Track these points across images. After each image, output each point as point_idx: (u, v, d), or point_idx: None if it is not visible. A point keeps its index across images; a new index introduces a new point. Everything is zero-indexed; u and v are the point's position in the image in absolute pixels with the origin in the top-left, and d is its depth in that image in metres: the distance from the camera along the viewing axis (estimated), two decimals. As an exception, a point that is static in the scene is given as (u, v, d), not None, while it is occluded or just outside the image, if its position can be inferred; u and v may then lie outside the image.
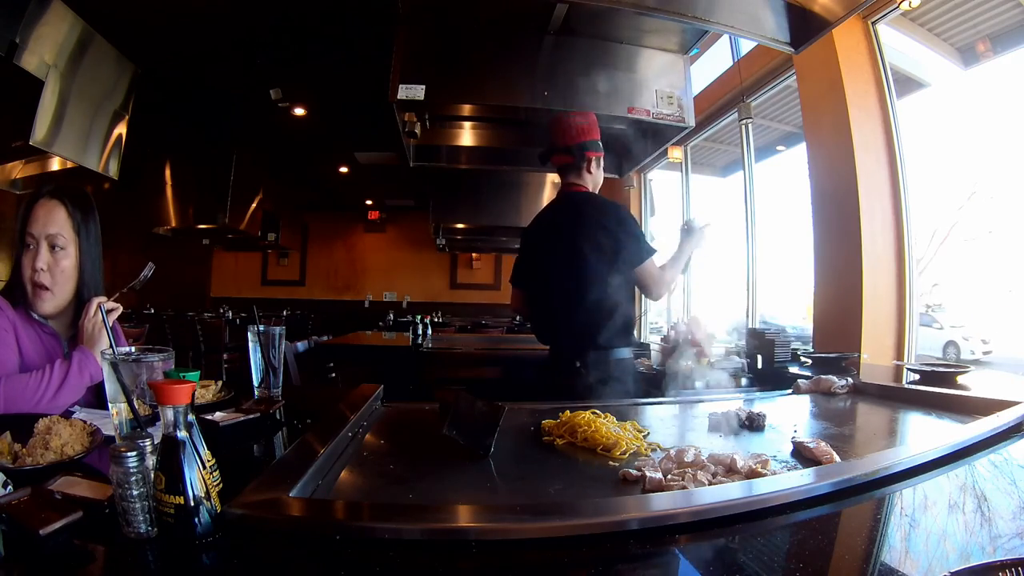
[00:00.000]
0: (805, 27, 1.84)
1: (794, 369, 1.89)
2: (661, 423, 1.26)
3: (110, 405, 0.83)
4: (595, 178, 1.95)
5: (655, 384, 1.75)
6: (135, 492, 0.56)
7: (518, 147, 3.24)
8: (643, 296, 1.95)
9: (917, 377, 1.63)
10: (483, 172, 4.84)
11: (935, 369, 1.63)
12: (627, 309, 1.83)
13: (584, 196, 1.92)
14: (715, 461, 0.84)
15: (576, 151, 1.90)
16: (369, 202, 9.20)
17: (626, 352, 1.85)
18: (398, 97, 2.28)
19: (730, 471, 0.81)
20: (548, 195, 5.06)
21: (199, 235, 7.11)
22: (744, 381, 1.89)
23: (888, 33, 3.16)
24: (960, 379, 1.54)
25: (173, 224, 6.12)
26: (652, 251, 1.84)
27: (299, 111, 4.88)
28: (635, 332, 1.92)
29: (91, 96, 3.40)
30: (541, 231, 2.01)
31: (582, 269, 1.81)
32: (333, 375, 2.97)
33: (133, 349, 0.89)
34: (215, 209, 6.05)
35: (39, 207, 1.23)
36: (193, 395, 0.61)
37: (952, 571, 0.46)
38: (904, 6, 2.44)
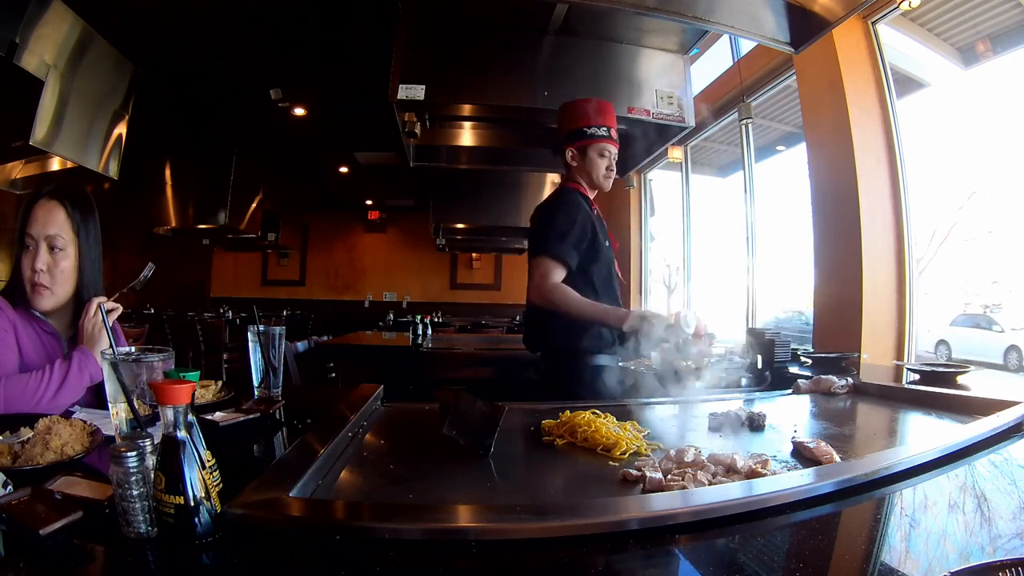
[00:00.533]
0: (805, 27, 1.84)
1: (794, 369, 1.89)
2: (661, 423, 1.26)
3: (110, 405, 0.83)
4: (585, 170, 1.81)
5: (655, 384, 1.74)
6: (135, 492, 0.56)
7: (518, 147, 3.25)
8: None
9: (917, 377, 1.63)
10: (483, 172, 4.84)
11: (935, 369, 1.63)
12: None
13: (553, 191, 1.90)
14: (715, 461, 0.84)
15: (553, 147, 1.89)
16: (369, 202, 9.21)
17: (601, 359, 1.75)
18: (398, 97, 2.28)
19: (730, 471, 0.81)
20: (548, 195, 5.05)
21: (199, 235, 7.12)
22: (744, 381, 1.89)
23: (888, 33, 3.16)
24: (960, 379, 1.54)
25: (173, 224, 6.12)
26: (551, 250, 1.66)
27: (299, 111, 4.89)
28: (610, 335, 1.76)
29: (91, 96, 3.41)
30: None
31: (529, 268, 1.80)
32: (333, 375, 2.97)
33: (133, 349, 0.89)
34: (215, 209, 6.05)
35: (39, 207, 1.23)
36: (193, 395, 0.61)
37: (952, 571, 0.46)
38: (904, 6, 2.44)
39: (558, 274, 1.68)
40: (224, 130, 5.54)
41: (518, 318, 7.18)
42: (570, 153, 1.82)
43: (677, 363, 1.60)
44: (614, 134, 1.83)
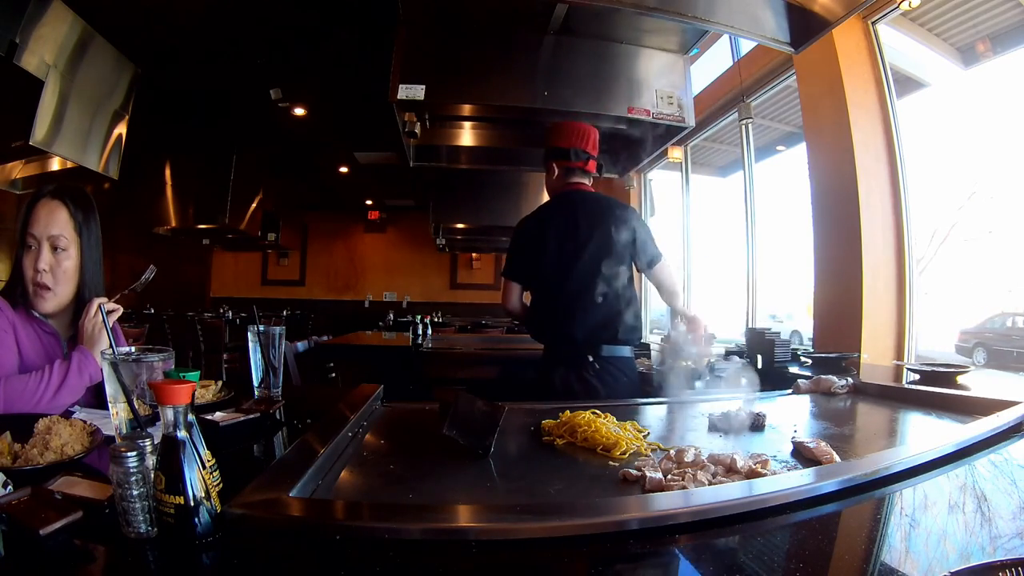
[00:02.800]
0: (805, 27, 1.84)
1: (794, 369, 1.89)
2: (661, 423, 1.26)
3: (110, 405, 0.83)
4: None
5: (655, 384, 1.74)
6: (135, 492, 0.56)
7: (518, 147, 3.24)
8: (658, 295, 2.05)
9: (917, 377, 1.63)
10: (483, 172, 4.84)
11: (935, 369, 1.63)
12: (638, 307, 1.91)
13: (601, 196, 2.01)
14: (715, 461, 0.84)
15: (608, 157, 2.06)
16: (369, 202, 9.21)
17: (627, 351, 1.90)
18: (398, 97, 2.28)
19: (730, 471, 0.81)
20: (548, 195, 5.04)
21: (199, 235, 7.11)
22: (744, 381, 1.89)
23: (888, 33, 3.16)
24: (960, 379, 1.54)
25: (173, 224, 6.12)
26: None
27: (299, 111, 4.89)
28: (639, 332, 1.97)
29: (91, 96, 3.40)
30: (554, 227, 1.94)
31: (606, 266, 1.86)
32: (333, 375, 2.97)
33: (133, 349, 0.89)
34: (215, 209, 6.05)
35: (40, 207, 1.22)
36: (193, 395, 0.61)
37: (952, 571, 0.46)
38: (904, 6, 2.44)
39: None
40: (224, 130, 5.54)
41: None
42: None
43: (677, 363, 1.60)
44: None
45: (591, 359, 1.82)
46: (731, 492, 0.70)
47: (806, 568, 0.56)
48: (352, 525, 0.61)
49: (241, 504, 0.62)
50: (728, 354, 2.06)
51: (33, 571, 0.54)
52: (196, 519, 0.57)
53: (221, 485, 0.61)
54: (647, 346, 2.47)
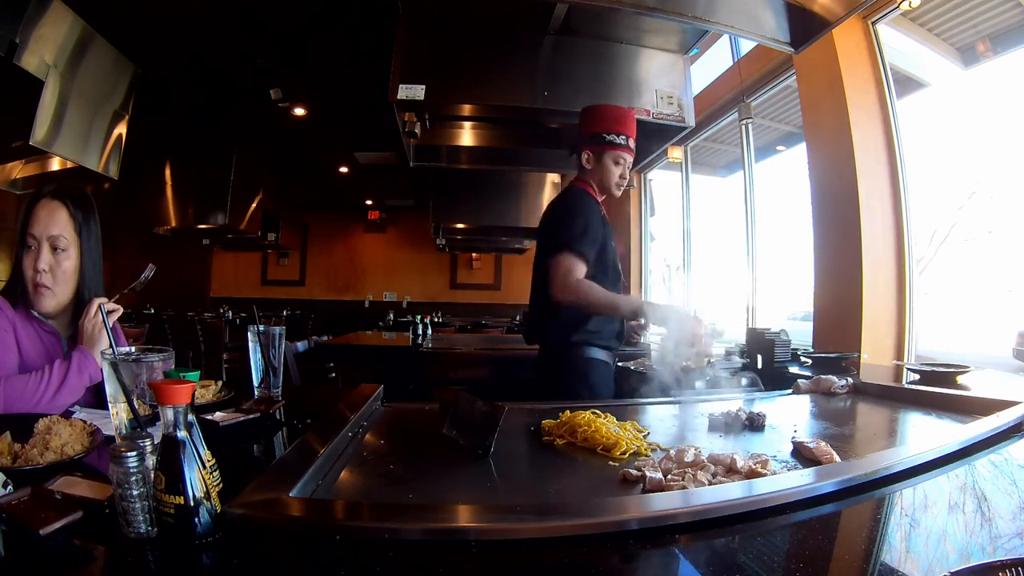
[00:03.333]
0: (805, 27, 1.84)
1: (794, 369, 1.89)
2: (661, 423, 1.26)
3: (110, 405, 0.83)
4: (598, 174, 1.82)
5: (654, 384, 1.74)
6: (135, 492, 0.56)
7: (518, 147, 3.25)
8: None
9: (917, 377, 1.63)
10: (483, 172, 4.84)
11: (935, 369, 1.63)
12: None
13: (563, 190, 1.92)
14: (715, 461, 0.84)
15: (571, 147, 1.92)
16: (369, 202, 9.21)
17: (593, 352, 1.77)
18: (398, 97, 2.29)
19: (730, 471, 0.81)
20: (548, 195, 5.06)
21: (199, 235, 7.10)
22: (744, 381, 1.89)
23: (888, 33, 3.16)
24: (960, 379, 1.54)
25: (173, 224, 6.11)
26: (572, 247, 1.67)
27: (299, 111, 4.89)
28: (614, 332, 1.81)
29: (91, 96, 3.41)
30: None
31: (537, 263, 1.85)
32: (333, 375, 2.97)
33: (133, 349, 0.89)
34: (215, 209, 6.05)
35: (40, 207, 1.23)
36: (193, 395, 0.61)
37: (952, 571, 0.46)
38: (904, 6, 2.44)
39: (581, 270, 1.69)
40: (224, 130, 5.54)
41: (518, 318, 7.18)
42: (586, 155, 1.84)
43: (677, 363, 1.60)
44: (632, 144, 1.85)
45: (544, 356, 1.88)
46: (731, 492, 0.70)
47: (806, 568, 0.56)
48: (352, 525, 0.61)
49: (241, 504, 0.62)
50: (728, 354, 2.06)
51: (33, 571, 0.54)
52: (196, 519, 0.57)
53: (221, 485, 0.61)
54: (647, 346, 2.47)
